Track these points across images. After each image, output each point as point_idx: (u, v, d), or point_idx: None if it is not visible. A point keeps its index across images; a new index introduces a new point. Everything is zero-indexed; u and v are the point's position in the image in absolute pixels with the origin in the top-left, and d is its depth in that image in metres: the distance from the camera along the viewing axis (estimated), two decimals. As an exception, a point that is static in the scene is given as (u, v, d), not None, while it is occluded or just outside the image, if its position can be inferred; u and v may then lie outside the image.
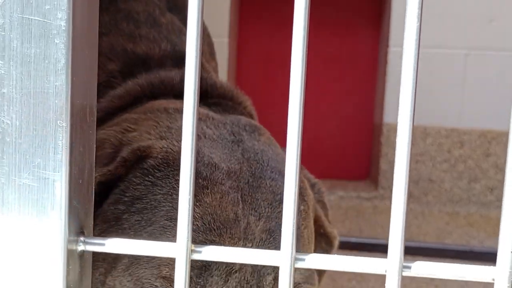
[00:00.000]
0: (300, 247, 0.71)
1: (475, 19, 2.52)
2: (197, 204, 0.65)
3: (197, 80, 0.37)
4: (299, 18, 0.36)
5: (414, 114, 0.38)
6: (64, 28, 0.37)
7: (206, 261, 0.62)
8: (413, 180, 2.59)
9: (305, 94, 0.37)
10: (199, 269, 0.63)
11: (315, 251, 0.78)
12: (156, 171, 0.67)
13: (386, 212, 2.52)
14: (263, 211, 0.68)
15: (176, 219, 0.37)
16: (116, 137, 0.71)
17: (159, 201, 0.65)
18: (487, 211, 2.55)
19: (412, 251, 1.98)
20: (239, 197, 0.68)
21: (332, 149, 2.88)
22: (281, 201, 0.68)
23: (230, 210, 0.66)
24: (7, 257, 0.38)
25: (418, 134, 2.58)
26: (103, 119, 0.77)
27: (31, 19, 0.37)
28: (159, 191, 0.66)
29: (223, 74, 2.67)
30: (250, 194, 0.69)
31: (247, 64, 2.92)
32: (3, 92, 0.37)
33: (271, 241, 0.67)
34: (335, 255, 0.38)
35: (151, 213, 0.65)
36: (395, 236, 0.37)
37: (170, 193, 0.66)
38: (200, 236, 0.63)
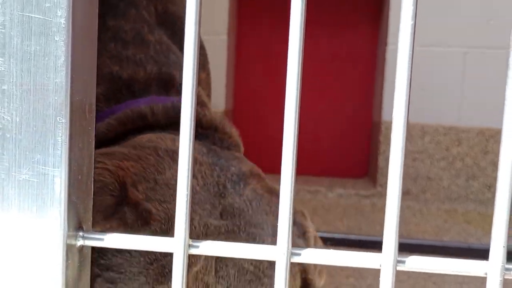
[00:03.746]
0: None
1: (474, 18, 2.53)
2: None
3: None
4: (295, 16, 0.37)
5: (408, 111, 0.38)
6: (64, 26, 0.38)
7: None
8: (411, 178, 2.59)
9: (304, 92, 0.38)
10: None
11: None
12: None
13: (385, 210, 2.52)
14: (231, 282, 0.69)
15: None
16: (112, 182, 0.69)
17: (134, 274, 0.66)
18: (485, 208, 2.55)
19: (410, 248, 1.99)
20: (212, 265, 0.68)
21: (331, 147, 2.89)
22: (249, 272, 0.70)
23: (200, 280, 0.68)
24: (6, 252, 0.39)
25: (416, 132, 2.58)
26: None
27: (31, 16, 0.38)
28: (137, 264, 0.66)
29: (221, 72, 2.67)
30: (221, 260, 0.69)
31: (245, 61, 2.92)
32: (3, 89, 0.38)
33: None
34: (331, 249, 0.39)
35: (124, 283, 0.66)
36: (389, 230, 0.38)
37: (146, 267, 0.66)
38: None
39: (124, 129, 0.84)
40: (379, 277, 0.38)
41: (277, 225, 0.73)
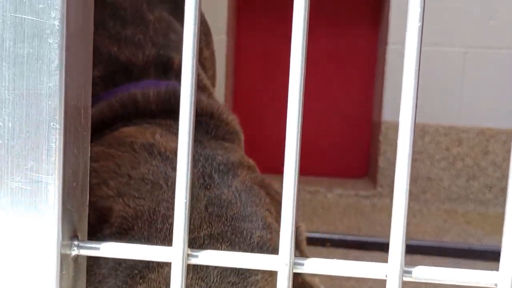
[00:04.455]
0: None
1: (474, 17, 2.52)
2: (142, 280, 0.62)
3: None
4: (298, 15, 0.35)
5: (416, 113, 0.37)
6: (57, 28, 0.36)
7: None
8: (412, 178, 2.57)
9: (304, 92, 0.37)
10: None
11: None
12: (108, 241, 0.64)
13: (385, 210, 2.52)
14: (212, 282, 0.64)
15: None
16: None
17: (104, 276, 0.63)
18: (485, 209, 2.54)
19: (410, 250, 1.97)
20: (191, 266, 0.63)
21: (331, 147, 2.88)
22: (233, 272, 0.65)
23: None
24: None
25: (417, 132, 2.57)
26: None
27: (24, 18, 0.37)
28: (105, 266, 0.63)
29: (221, 72, 2.66)
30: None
31: (245, 61, 2.91)
32: (-4, 93, 0.37)
33: None
34: (335, 259, 0.37)
35: (93, 286, 0.63)
36: (396, 239, 0.36)
37: (115, 268, 0.63)
38: None
39: (113, 115, 0.81)
40: (380, 280, 0.37)
41: (266, 218, 0.70)
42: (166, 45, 0.92)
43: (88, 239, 0.41)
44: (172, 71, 0.90)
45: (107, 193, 0.67)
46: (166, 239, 0.64)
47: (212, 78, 1.18)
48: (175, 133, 0.73)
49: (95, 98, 0.82)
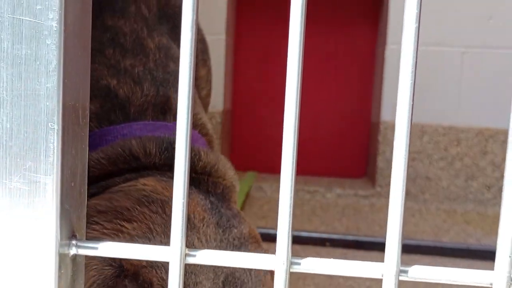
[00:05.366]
0: None
1: (473, 17, 2.52)
2: None
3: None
4: (295, 15, 0.36)
5: (412, 113, 0.37)
6: (55, 29, 0.36)
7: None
8: (410, 178, 2.59)
9: (302, 92, 0.37)
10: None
11: None
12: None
13: (383, 210, 2.52)
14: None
15: None
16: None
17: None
18: (484, 208, 2.55)
19: (409, 249, 1.98)
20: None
21: (330, 147, 2.88)
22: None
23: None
24: (-2, 260, 0.38)
25: (415, 132, 2.57)
26: None
27: (22, 19, 0.37)
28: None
29: (220, 72, 2.66)
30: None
31: (244, 61, 2.91)
32: (-6, 94, 0.37)
33: None
34: (331, 259, 0.38)
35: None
36: (392, 240, 0.37)
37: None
38: None
39: (115, 169, 0.79)
40: (378, 279, 0.37)
41: None
42: (166, 80, 0.90)
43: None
44: (170, 111, 0.88)
45: (141, 262, 0.66)
46: None
47: (207, 96, 1.17)
48: (191, 193, 0.75)
49: (89, 134, 0.80)
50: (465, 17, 2.52)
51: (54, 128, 0.36)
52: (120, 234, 0.66)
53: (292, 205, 0.37)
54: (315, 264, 0.38)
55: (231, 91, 2.89)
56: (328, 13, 2.79)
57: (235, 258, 0.38)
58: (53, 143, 0.36)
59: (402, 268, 0.37)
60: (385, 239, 0.37)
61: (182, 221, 0.38)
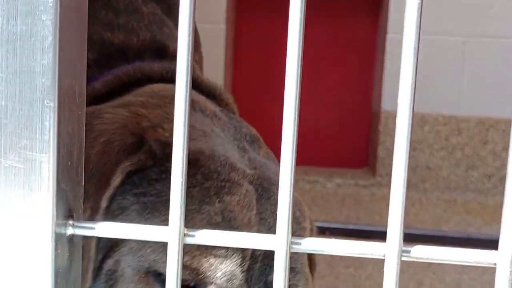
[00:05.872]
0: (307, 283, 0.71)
1: (474, 6, 2.51)
2: (217, 200, 0.65)
3: (189, 75, 0.36)
4: (295, 5, 0.35)
5: (414, 103, 0.36)
6: (51, 5, 0.36)
7: None
8: (411, 168, 2.58)
9: (302, 82, 0.36)
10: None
11: None
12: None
13: (384, 200, 2.52)
14: (271, 223, 0.68)
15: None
16: (132, 123, 0.68)
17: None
18: (484, 198, 2.54)
19: (409, 238, 1.96)
20: (254, 202, 0.68)
21: (330, 136, 2.87)
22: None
23: (245, 214, 0.66)
24: (-6, 242, 0.37)
25: (416, 121, 2.57)
26: (90, 103, 0.74)
27: (17, -5, 0.36)
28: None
29: (219, 62, 2.65)
30: (261, 203, 0.68)
31: (244, 50, 2.90)
32: (-11, 71, 0.36)
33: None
34: (332, 239, 0.37)
35: (164, 206, 0.64)
36: (394, 219, 0.36)
37: (189, 191, 0.64)
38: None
39: (120, 83, 0.81)
40: (378, 266, 0.37)
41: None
42: (161, 33, 0.91)
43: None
44: (168, 56, 0.89)
45: (164, 134, 0.68)
46: (226, 179, 0.67)
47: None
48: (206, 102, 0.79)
49: (90, 81, 0.80)
50: (466, 6, 2.51)
51: (50, 105, 0.36)
52: (138, 117, 0.69)
53: (292, 194, 0.37)
54: (316, 244, 0.37)
55: (231, 80, 2.88)
56: (328, 2, 2.78)
57: (236, 238, 0.38)
58: (49, 120, 0.36)
59: (404, 248, 0.36)
60: (385, 228, 0.36)
61: (181, 201, 0.37)
